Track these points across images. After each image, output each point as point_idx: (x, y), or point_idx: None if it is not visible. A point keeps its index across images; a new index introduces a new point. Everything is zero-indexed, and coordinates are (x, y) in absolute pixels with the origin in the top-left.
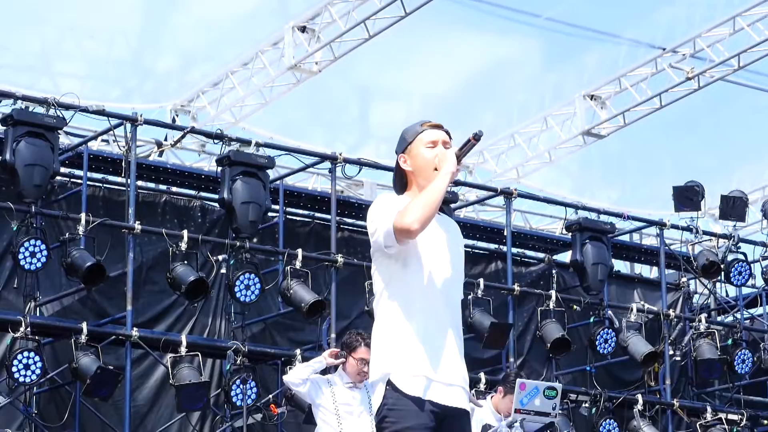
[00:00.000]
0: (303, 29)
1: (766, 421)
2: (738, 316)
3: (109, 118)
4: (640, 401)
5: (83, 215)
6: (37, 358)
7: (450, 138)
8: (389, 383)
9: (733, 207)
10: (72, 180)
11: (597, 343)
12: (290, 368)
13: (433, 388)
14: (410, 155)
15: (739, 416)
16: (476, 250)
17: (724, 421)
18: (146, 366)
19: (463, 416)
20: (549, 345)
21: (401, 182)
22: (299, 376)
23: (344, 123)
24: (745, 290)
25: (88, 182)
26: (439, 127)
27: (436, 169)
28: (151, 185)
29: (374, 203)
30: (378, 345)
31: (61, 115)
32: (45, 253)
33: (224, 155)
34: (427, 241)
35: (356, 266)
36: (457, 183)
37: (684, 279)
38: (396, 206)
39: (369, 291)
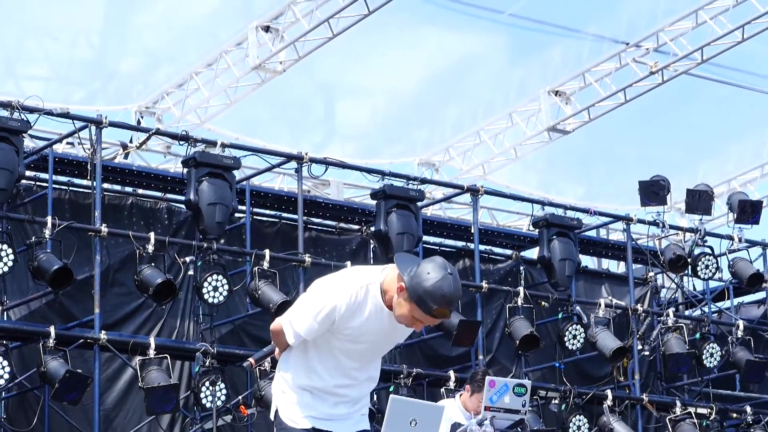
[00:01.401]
0: (267, 29)
1: (735, 415)
2: (706, 309)
3: (74, 121)
4: (610, 397)
5: (49, 218)
6: (5, 363)
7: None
8: (277, 414)
9: (699, 201)
10: (37, 183)
11: (566, 339)
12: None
13: (318, 424)
14: (406, 300)
15: (708, 410)
16: (444, 248)
17: (693, 415)
18: (114, 369)
19: None
20: (518, 342)
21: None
22: None
23: (310, 122)
24: (713, 284)
25: (54, 185)
26: (446, 315)
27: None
28: (117, 187)
29: (325, 287)
30: (278, 376)
31: (25, 119)
32: (11, 256)
33: (190, 156)
34: (356, 331)
35: (324, 266)
36: (423, 181)
37: (651, 273)
38: (329, 318)
39: None
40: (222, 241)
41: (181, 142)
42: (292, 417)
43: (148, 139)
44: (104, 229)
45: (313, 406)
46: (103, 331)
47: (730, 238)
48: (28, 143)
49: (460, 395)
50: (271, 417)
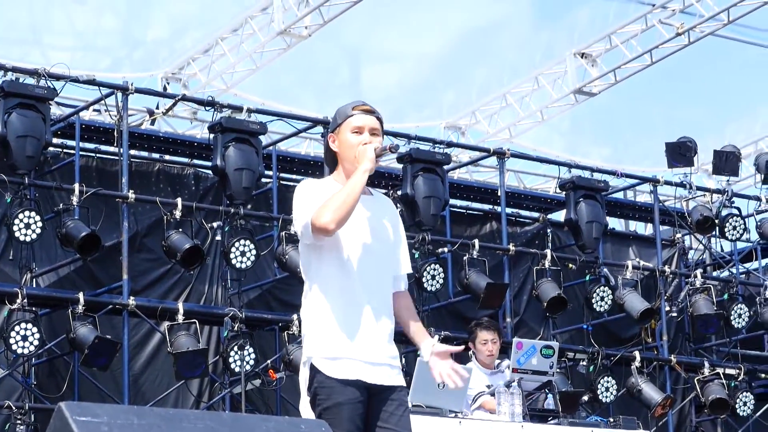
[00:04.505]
0: None
1: (763, 375)
2: (733, 270)
3: (100, 88)
4: (638, 358)
5: (77, 185)
6: (34, 330)
7: (381, 123)
8: (312, 367)
9: (726, 162)
10: (64, 150)
11: (593, 300)
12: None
13: (356, 368)
14: (338, 137)
15: (737, 370)
16: (470, 211)
17: (721, 375)
18: (143, 334)
19: (393, 391)
20: (545, 304)
21: (332, 160)
22: None
23: (336, 87)
24: (740, 245)
25: (81, 152)
26: (370, 111)
27: (356, 157)
28: (144, 154)
29: (297, 190)
30: (303, 330)
31: (51, 86)
32: (39, 224)
33: (216, 122)
34: (345, 227)
35: None
36: (449, 144)
37: (679, 235)
38: (318, 195)
39: None
40: (249, 206)
41: (208, 108)
42: (327, 360)
43: (174, 105)
44: (131, 195)
45: (346, 343)
46: (131, 297)
47: (758, 199)
48: (55, 110)
49: (471, 354)
50: (302, 382)
